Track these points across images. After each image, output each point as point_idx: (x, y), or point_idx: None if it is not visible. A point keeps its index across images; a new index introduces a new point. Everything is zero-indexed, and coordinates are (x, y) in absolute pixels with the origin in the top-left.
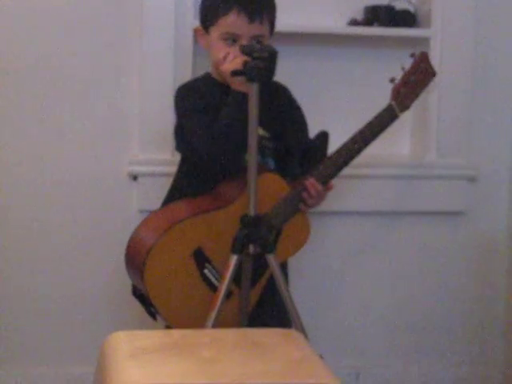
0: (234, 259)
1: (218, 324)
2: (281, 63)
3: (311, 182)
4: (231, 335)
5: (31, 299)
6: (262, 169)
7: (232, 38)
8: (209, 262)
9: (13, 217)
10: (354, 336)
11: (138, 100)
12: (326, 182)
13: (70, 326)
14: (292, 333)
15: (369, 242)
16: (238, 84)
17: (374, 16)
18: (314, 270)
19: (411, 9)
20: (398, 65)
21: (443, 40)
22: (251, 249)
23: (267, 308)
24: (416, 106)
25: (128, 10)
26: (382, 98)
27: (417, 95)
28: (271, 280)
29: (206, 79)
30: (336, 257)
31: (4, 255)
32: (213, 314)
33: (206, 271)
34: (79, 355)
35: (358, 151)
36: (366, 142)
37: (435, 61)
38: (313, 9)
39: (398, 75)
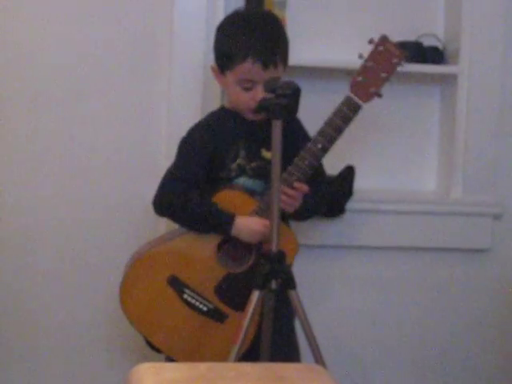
0: (255, 295)
1: (211, 349)
2: (307, 98)
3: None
4: (256, 369)
5: (54, 328)
6: (225, 187)
7: (248, 85)
8: (186, 287)
9: (37, 240)
10: (371, 373)
11: (165, 127)
12: (292, 184)
13: (91, 356)
14: (317, 367)
15: (392, 278)
16: (243, 232)
17: None
18: (334, 304)
19: (439, 46)
20: (425, 100)
21: (471, 77)
22: (273, 284)
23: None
24: (442, 142)
25: (158, 41)
26: (408, 134)
27: (383, 80)
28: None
29: (220, 112)
30: (358, 292)
31: (27, 279)
32: (235, 349)
33: (185, 296)
34: None
35: (323, 151)
36: (329, 140)
37: (462, 97)
38: (340, 44)
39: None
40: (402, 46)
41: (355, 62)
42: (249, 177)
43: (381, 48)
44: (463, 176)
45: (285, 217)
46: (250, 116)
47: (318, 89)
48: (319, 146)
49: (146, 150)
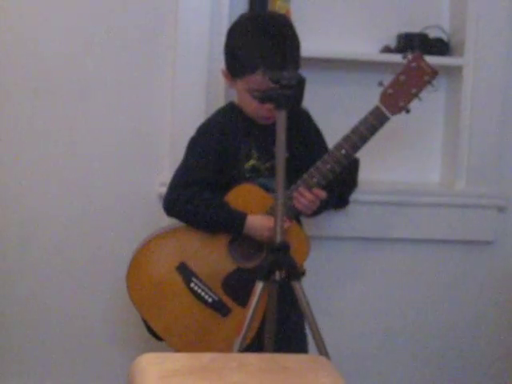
0: (259, 286)
1: (212, 343)
2: (312, 89)
3: (299, 191)
4: (259, 360)
5: (57, 317)
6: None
7: (258, 94)
8: (195, 275)
9: (40, 231)
10: (374, 364)
11: (169, 122)
12: (311, 187)
13: (95, 346)
14: (320, 359)
15: (395, 270)
16: (252, 231)
17: (407, 44)
18: (336, 295)
19: (444, 37)
20: (431, 92)
21: (476, 69)
22: (277, 275)
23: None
24: (447, 134)
25: (163, 33)
26: (413, 125)
27: (413, 96)
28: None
29: (230, 110)
30: (361, 283)
31: (31, 272)
32: (238, 340)
33: (192, 285)
34: (104, 375)
35: (346, 157)
36: (353, 148)
37: (467, 89)
38: (346, 35)
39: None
40: (407, 37)
41: (359, 54)
42: (265, 177)
43: (414, 64)
44: (467, 168)
45: (298, 216)
46: (260, 122)
47: (322, 80)
48: (343, 152)
49: (149, 141)
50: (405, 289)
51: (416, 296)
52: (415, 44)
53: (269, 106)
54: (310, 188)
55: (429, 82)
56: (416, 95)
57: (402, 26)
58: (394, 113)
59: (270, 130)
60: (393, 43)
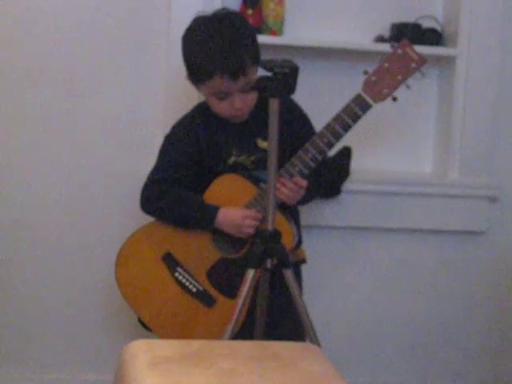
0: (250, 273)
1: (197, 333)
2: (306, 78)
3: (280, 181)
4: (250, 347)
5: (48, 305)
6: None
7: (222, 95)
8: (179, 265)
9: (32, 221)
10: (367, 351)
11: (162, 106)
12: (293, 176)
13: (85, 333)
14: (311, 346)
15: (387, 259)
16: (224, 224)
17: (401, 33)
18: (331, 284)
19: (438, 27)
20: (423, 82)
21: (469, 59)
22: (268, 263)
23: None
24: (439, 124)
25: (156, 21)
26: (406, 115)
27: (398, 83)
28: (273, 292)
29: (205, 107)
30: (352, 272)
31: (23, 260)
32: (229, 328)
33: (177, 274)
34: (94, 362)
35: (328, 146)
36: (336, 136)
37: (460, 79)
38: (340, 25)
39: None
40: (401, 27)
41: (353, 43)
42: (251, 170)
43: (399, 51)
44: (460, 158)
45: (285, 207)
46: (233, 121)
47: (315, 69)
48: (325, 140)
49: (141, 125)
50: (396, 278)
51: (407, 285)
52: (408, 34)
53: (237, 104)
54: (291, 177)
55: (416, 70)
56: (402, 82)
57: (395, 15)
58: (377, 100)
59: (245, 124)
60: (386, 33)
